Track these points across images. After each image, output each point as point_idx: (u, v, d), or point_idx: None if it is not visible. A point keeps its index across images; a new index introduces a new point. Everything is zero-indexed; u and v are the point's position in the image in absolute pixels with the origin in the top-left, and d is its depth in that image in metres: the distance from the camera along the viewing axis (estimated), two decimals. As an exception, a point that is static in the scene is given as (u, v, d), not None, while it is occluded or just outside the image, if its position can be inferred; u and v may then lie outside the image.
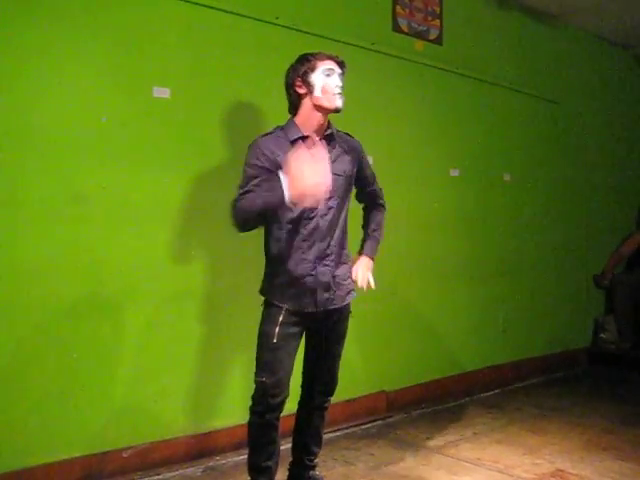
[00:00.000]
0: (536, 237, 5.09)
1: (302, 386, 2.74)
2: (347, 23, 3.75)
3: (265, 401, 2.50)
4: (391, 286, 4.01)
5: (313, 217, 2.50)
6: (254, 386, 2.53)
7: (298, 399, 2.76)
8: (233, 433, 3.20)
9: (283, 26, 3.42)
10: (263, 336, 2.52)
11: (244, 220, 2.40)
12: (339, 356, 2.73)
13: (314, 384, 2.71)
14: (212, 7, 3.15)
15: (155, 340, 3.02)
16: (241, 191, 2.42)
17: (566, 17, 5.19)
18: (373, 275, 2.73)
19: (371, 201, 2.86)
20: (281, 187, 2.25)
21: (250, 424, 2.57)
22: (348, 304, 2.68)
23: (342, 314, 2.66)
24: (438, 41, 4.29)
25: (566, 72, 5.35)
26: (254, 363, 2.54)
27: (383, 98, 3.95)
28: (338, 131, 2.67)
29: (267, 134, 2.53)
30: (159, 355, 3.04)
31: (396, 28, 4.04)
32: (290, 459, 2.79)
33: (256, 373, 2.53)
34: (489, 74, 4.64)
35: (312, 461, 2.78)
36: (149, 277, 2.99)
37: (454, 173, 4.40)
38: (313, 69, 2.48)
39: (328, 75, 2.47)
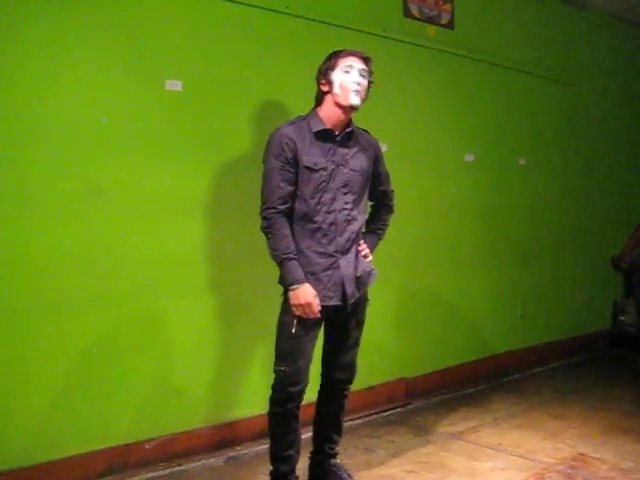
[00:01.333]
0: (553, 220, 5.05)
1: (322, 375, 2.76)
2: (358, 10, 3.73)
3: (285, 390, 2.51)
4: (408, 273, 4.01)
5: (332, 212, 2.52)
6: (274, 376, 2.55)
7: (318, 388, 2.77)
8: (254, 423, 3.21)
9: (294, 15, 3.40)
10: (283, 326, 2.54)
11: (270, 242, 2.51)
12: (358, 344, 2.74)
13: (334, 372, 2.72)
14: (222, -2, 3.15)
15: (175, 332, 3.04)
16: (267, 205, 2.49)
17: (579, -2, 5.12)
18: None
19: (381, 200, 2.83)
20: (293, 276, 2.45)
21: (271, 414, 2.59)
22: (366, 292, 2.69)
23: (360, 302, 2.67)
24: (450, 25, 4.25)
25: (581, 53, 5.28)
26: (274, 353, 2.55)
27: (395, 84, 3.92)
28: (357, 128, 2.68)
29: (291, 123, 2.55)
30: (179, 347, 3.06)
31: (407, 14, 4.00)
32: (311, 448, 2.80)
33: (276, 362, 2.55)
34: (502, 57, 4.59)
35: (333, 449, 2.79)
36: (167, 270, 3.00)
37: (469, 158, 4.37)
38: (334, 67, 2.52)
39: (347, 72, 2.49)
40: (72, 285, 2.74)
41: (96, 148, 2.80)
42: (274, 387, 2.56)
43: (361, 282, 2.63)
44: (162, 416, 3.00)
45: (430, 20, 4.13)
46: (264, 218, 2.48)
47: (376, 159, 2.71)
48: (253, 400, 3.22)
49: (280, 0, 3.35)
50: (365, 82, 2.53)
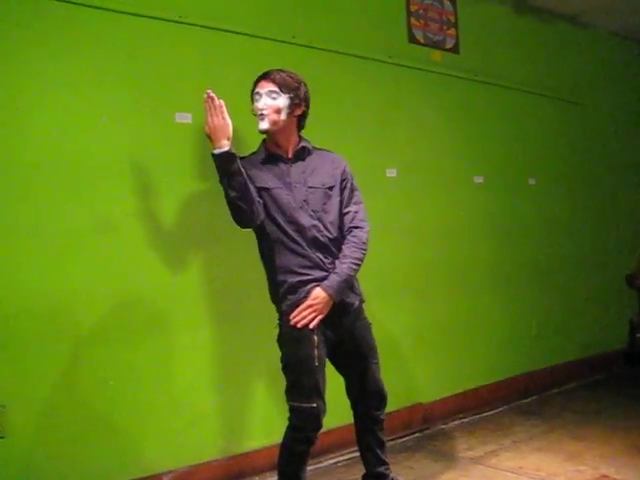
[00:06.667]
0: (565, 240, 5.04)
1: (354, 410, 2.77)
2: (363, 38, 3.77)
3: (318, 425, 2.48)
4: (422, 296, 4.00)
5: (305, 230, 2.53)
6: (293, 414, 2.51)
7: (354, 421, 2.80)
8: (271, 453, 3.17)
9: (300, 45, 3.44)
10: (303, 360, 2.48)
11: (235, 205, 2.46)
12: (378, 367, 2.73)
13: (367, 401, 2.73)
14: (229, 31, 3.18)
15: (189, 363, 3.04)
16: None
17: (583, 17, 5.13)
18: (332, 310, 2.54)
19: (346, 226, 2.65)
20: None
21: (286, 451, 2.56)
22: (365, 316, 2.71)
23: (358, 325, 2.67)
24: (455, 50, 4.28)
25: (585, 72, 5.30)
26: (290, 390, 2.54)
27: (403, 110, 3.95)
28: (317, 148, 2.70)
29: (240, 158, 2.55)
30: (193, 378, 3.05)
31: (412, 39, 4.04)
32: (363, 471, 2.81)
33: (297, 399, 2.49)
34: (508, 79, 4.61)
35: (388, 468, 2.81)
36: (181, 303, 3.01)
37: (478, 180, 4.38)
38: (252, 97, 2.60)
39: (256, 100, 2.57)
40: (85, 318, 2.75)
41: (107, 181, 2.83)
42: (297, 424, 2.50)
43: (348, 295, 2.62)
44: (179, 448, 2.99)
45: (435, 45, 4.17)
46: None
47: (341, 178, 2.67)
48: (269, 430, 3.20)
49: (286, 31, 3.39)
50: (276, 102, 2.52)
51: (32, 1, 2.65)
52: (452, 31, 4.28)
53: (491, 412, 4.25)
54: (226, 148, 2.35)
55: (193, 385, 3.05)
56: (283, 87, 2.53)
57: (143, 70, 2.95)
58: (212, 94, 2.37)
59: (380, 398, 2.74)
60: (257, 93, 2.56)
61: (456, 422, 4.04)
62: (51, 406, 2.66)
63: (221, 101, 2.38)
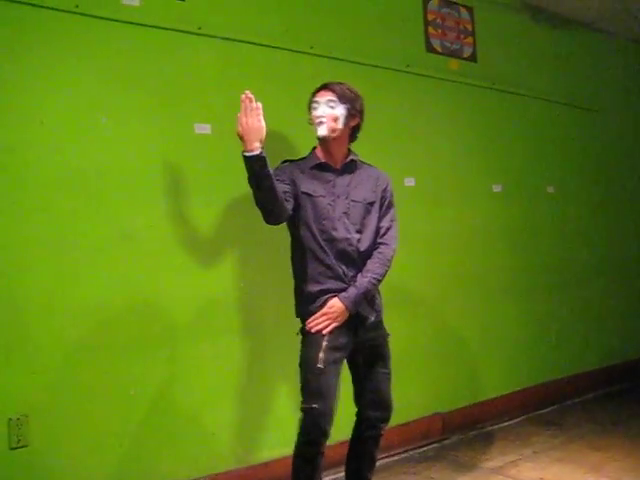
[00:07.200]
0: (584, 248, 5.00)
1: (357, 416, 2.75)
2: (381, 47, 3.78)
3: (317, 428, 2.50)
4: (439, 306, 3.99)
5: (336, 242, 2.59)
6: (301, 415, 2.54)
7: (353, 427, 2.77)
8: (289, 462, 3.16)
9: (318, 55, 3.46)
10: (308, 362, 2.54)
11: (262, 206, 2.50)
12: (389, 379, 2.74)
13: (371, 411, 2.72)
14: (248, 42, 3.20)
15: (209, 373, 3.04)
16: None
17: (599, 24, 5.12)
18: (347, 320, 2.58)
19: (377, 240, 2.70)
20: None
21: (297, 456, 2.58)
22: (384, 328, 2.74)
23: (378, 337, 2.70)
24: (472, 58, 4.28)
25: (602, 79, 5.27)
26: (300, 392, 2.56)
27: (421, 119, 3.96)
28: (365, 163, 2.78)
29: (289, 160, 2.74)
30: (213, 387, 3.06)
31: (429, 49, 4.05)
32: None
33: (304, 401, 2.53)
34: (525, 87, 4.60)
35: None
36: (199, 312, 3.02)
37: (497, 189, 4.37)
38: (309, 107, 2.70)
39: (314, 108, 2.65)
40: (105, 328, 2.77)
41: (127, 192, 2.84)
42: (304, 426, 2.53)
43: (371, 309, 2.65)
44: (200, 457, 2.99)
45: (452, 54, 4.17)
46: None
47: (382, 194, 2.74)
48: (288, 439, 3.17)
49: (304, 41, 3.41)
50: (334, 111, 2.63)
51: (57, 17, 2.68)
52: (469, 39, 4.28)
53: (510, 422, 4.22)
54: (257, 152, 2.37)
55: (212, 395, 3.05)
56: (342, 97, 2.63)
57: (163, 81, 2.97)
58: (250, 95, 2.42)
59: (384, 409, 2.74)
60: (316, 102, 2.65)
61: (475, 432, 4.02)
62: (72, 415, 2.67)
63: (259, 104, 2.42)
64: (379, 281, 2.64)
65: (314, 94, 2.68)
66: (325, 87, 2.67)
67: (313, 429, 2.51)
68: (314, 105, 2.66)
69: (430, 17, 4.06)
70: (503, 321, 4.38)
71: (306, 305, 2.62)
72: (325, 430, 2.50)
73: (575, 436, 3.90)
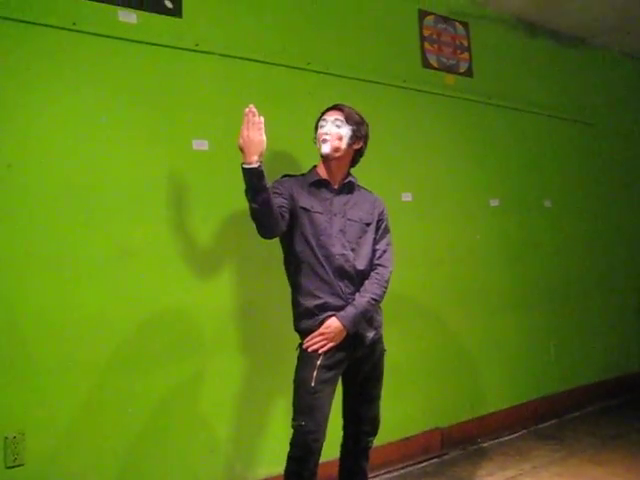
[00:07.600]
0: (582, 261, 5.01)
1: (345, 429, 2.75)
2: (377, 63, 3.80)
3: (306, 445, 2.48)
4: (438, 321, 3.98)
5: (334, 258, 2.59)
6: (291, 432, 2.53)
7: (341, 443, 2.77)
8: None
9: (315, 71, 3.47)
10: (302, 380, 2.54)
11: (256, 218, 2.48)
12: (380, 395, 2.75)
13: (360, 426, 2.72)
14: (245, 58, 3.22)
15: (208, 389, 3.03)
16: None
17: (595, 39, 5.18)
18: (345, 339, 2.57)
19: (373, 262, 2.72)
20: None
21: (288, 473, 2.55)
22: (382, 343, 2.73)
23: (376, 351, 2.70)
24: (468, 73, 4.31)
25: (598, 93, 5.31)
26: (292, 409, 2.55)
27: (417, 134, 3.97)
28: (362, 187, 2.82)
29: (290, 175, 2.76)
30: (211, 404, 3.04)
31: (426, 64, 4.07)
32: None
33: (294, 418, 2.53)
34: (521, 102, 4.63)
35: None
36: (198, 329, 3.01)
37: (494, 203, 4.38)
38: (316, 126, 2.74)
39: (321, 126, 2.70)
40: (104, 345, 2.76)
41: (125, 208, 2.85)
42: (293, 443, 2.53)
43: (370, 328, 2.65)
44: (198, 475, 2.97)
45: (449, 69, 4.20)
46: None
47: (378, 217, 2.76)
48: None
49: (301, 57, 3.43)
50: (340, 130, 2.67)
51: (55, 35, 2.70)
52: (465, 55, 4.31)
53: (509, 436, 4.20)
54: (256, 165, 2.39)
55: (211, 411, 3.04)
56: (348, 118, 2.68)
57: (160, 98, 2.98)
58: (254, 109, 2.44)
59: (373, 424, 2.75)
60: (323, 120, 2.70)
61: (475, 447, 4.00)
62: (68, 434, 2.66)
63: (261, 118, 2.44)
64: (377, 302, 2.65)
65: (323, 113, 2.74)
66: (335, 107, 2.72)
67: (302, 446, 2.50)
68: (321, 123, 2.70)
69: (426, 33, 4.09)
70: (502, 335, 4.37)
71: (304, 320, 2.61)
72: (312, 448, 2.49)
73: (575, 450, 3.88)
